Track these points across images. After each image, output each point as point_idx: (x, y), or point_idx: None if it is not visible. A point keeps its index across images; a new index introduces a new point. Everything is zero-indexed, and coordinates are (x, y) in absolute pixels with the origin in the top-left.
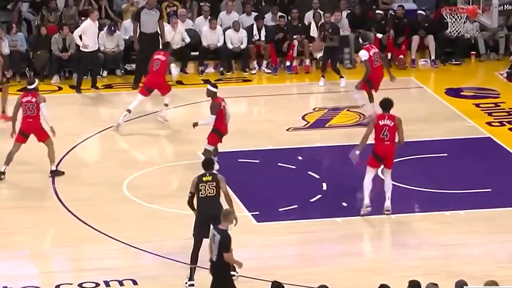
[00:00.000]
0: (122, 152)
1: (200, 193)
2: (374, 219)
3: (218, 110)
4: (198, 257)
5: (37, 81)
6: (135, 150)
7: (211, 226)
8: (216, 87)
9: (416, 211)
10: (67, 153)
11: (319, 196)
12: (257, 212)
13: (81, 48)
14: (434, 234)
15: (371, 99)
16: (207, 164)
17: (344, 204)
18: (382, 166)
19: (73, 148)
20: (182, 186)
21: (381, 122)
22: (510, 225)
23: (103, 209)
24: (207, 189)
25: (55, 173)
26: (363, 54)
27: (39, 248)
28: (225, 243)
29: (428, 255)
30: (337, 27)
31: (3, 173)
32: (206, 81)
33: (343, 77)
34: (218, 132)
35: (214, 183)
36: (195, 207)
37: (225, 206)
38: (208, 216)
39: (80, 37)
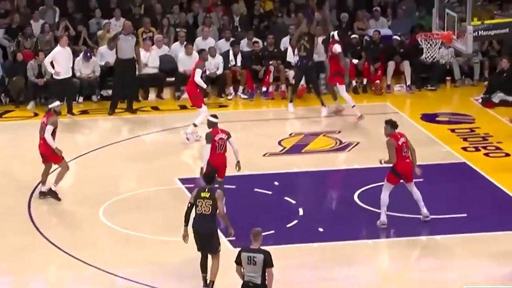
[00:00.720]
0: (99, 178)
1: (197, 208)
2: (351, 245)
3: (212, 140)
4: (207, 266)
5: (57, 103)
6: (112, 176)
7: (242, 251)
8: (216, 117)
9: (392, 236)
10: None
11: (295, 221)
12: (234, 238)
13: (53, 76)
14: (410, 259)
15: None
16: (207, 178)
17: (321, 229)
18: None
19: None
20: (158, 212)
21: (400, 142)
22: (485, 250)
23: (79, 235)
24: (203, 206)
25: (51, 194)
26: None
27: (13, 274)
28: (270, 260)
29: (406, 279)
30: (313, 37)
31: (43, 192)
32: (183, 107)
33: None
34: (209, 164)
35: (211, 201)
36: (188, 221)
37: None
38: (200, 233)
39: (53, 64)
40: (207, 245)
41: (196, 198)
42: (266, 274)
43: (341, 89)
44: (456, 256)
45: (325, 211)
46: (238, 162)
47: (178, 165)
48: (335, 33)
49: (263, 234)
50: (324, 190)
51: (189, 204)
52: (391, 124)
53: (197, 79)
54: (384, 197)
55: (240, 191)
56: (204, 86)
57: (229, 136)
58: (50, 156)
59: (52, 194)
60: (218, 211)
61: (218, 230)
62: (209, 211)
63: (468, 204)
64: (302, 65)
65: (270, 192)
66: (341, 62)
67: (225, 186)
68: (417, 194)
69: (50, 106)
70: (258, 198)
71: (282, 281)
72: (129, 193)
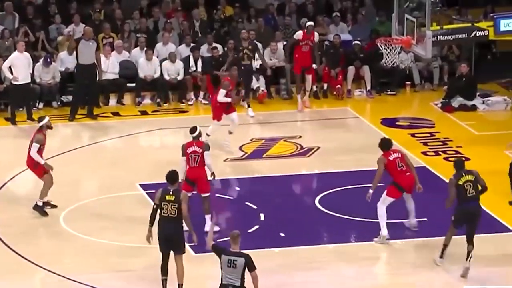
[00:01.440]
0: (59, 184)
1: (162, 211)
2: (313, 249)
3: (185, 153)
4: (168, 270)
5: (46, 119)
6: (72, 182)
7: (223, 254)
8: (191, 132)
9: (353, 240)
10: (2, 186)
11: (256, 226)
12: (195, 243)
13: (12, 81)
14: (372, 264)
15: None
16: (169, 178)
17: (282, 234)
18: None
19: (8, 181)
20: (120, 217)
21: (391, 158)
22: (446, 254)
23: (40, 242)
24: (169, 210)
25: (37, 209)
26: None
27: None
28: (252, 263)
29: (367, 284)
30: (256, 46)
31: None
32: (143, 112)
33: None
34: (186, 177)
35: (177, 204)
36: (153, 222)
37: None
38: (166, 236)
39: (11, 69)
40: (172, 246)
41: (161, 200)
42: (251, 277)
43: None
44: (417, 260)
45: (286, 216)
46: (212, 173)
47: (138, 171)
48: (311, 23)
49: (224, 239)
50: (285, 195)
51: (155, 206)
52: (382, 145)
53: (220, 98)
54: (382, 211)
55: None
56: (229, 100)
57: (204, 149)
58: (33, 170)
59: (38, 209)
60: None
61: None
62: (175, 214)
63: (428, 208)
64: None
65: (231, 197)
66: (316, 51)
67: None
68: (411, 205)
69: (40, 124)
70: (219, 203)
71: None
72: (90, 199)
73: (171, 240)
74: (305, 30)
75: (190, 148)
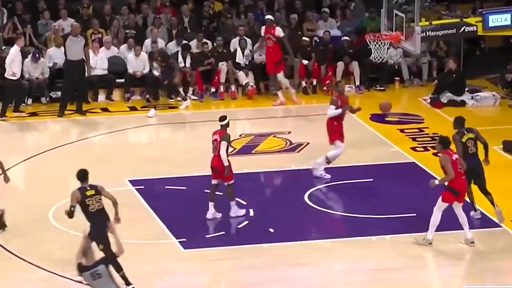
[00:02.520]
0: (48, 180)
1: (90, 208)
2: (302, 245)
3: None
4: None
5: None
6: (61, 178)
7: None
8: (220, 120)
9: (342, 236)
10: None
11: (246, 222)
12: (184, 239)
13: (8, 76)
14: (360, 259)
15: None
16: (79, 176)
17: (271, 230)
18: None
19: None
20: (109, 213)
21: (454, 157)
22: (434, 249)
23: (29, 238)
24: (95, 203)
25: None
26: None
27: None
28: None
29: (355, 280)
30: (166, 54)
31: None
32: (132, 108)
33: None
34: None
35: (99, 196)
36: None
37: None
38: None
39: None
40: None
41: (83, 200)
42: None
43: (281, 75)
44: (406, 255)
45: (276, 211)
46: (225, 166)
47: (128, 166)
48: (270, 16)
49: (213, 235)
50: (274, 191)
51: (72, 208)
52: (443, 143)
53: (330, 113)
54: (436, 217)
55: (191, 192)
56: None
57: (221, 138)
58: None
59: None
60: (111, 200)
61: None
62: (101, 205)
63: (417, 203)
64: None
65: (221, 193)
66: (287, 46)
67: (175, 187)
68: (463, 216)
69: None
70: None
71: (232, 282)
72: None
73: (106, 233)
74: (266, 25)
75: (213, 136)
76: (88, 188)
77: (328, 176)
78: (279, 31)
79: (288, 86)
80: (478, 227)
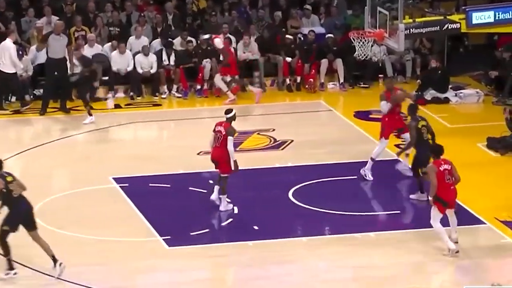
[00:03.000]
0: (32, 177)
1: (13, 193)
2: (286, 242)
3: (214, 129)
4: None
5: None
6: (45, 176)
7: None
8: (226, 113)
9: (326, 233)
10: None
11: (230, 220)
12: (169, 237)
13: (5, 70)
14: (344, 257)
15: None
16: None
17: (256, 227)
18: None
19: None
20: (93, 211)
21: (441, 168)
22: (418, 247)
23: (13, 236)
24: (16, 188)
25: None
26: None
27: None
28: None
29: (339, 277)
30: (88, 59)
31: None
32: (116, 106)
33: (91, 116)
34: None
35: (16, 180)
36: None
37: None
38: (27, 213)
39: None
40: (29, 223)
41: (6, 184)
42: None
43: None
44: (390, 253)
45: (260, 209)
46: (234, 161)
47: (112, 164)
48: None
49: (198, 232)
50: (259, 188)
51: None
52: (434, 152)
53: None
54: (437, 227)
55: (175, 190)
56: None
57: (227, 132)
58: None
59: None
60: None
61: None
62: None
63: (401, 201)
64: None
65: (205, 191)
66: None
67: (159, 185)
68: (454, 221)
69: None
70: (193, 197)
71: (216, 279)
72: (63, 193)
73: (30, 215)
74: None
75: (217, 127)
76: (6, 175)
77: (371, 178)
78: (218, 43)
79: (223, 87)
80: (462, 223)
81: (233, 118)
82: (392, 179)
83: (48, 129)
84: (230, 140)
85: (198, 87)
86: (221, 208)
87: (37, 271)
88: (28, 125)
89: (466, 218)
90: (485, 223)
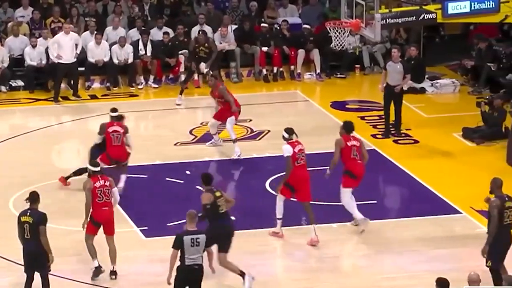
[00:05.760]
0: (8, 169)
1: (219, 209)
2: (261, 232)
3: (105, 132)
4: None
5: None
6: (22, 167)
7: (183, 235)
8: (113, 111)
9: (303, 223)
10: None
11: None
12: (146, 227)
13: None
14: (320, 247)
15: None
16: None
17: (232, 218)
18: None
19: None
20: (70, 202)
21: (349, 143)
22: (395, 236)
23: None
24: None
25: None
26: (286, 150)
27: None
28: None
29: (315, 267)
30: (212, 47)
31: None
32: (93, 97)
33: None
34: (107, 155)
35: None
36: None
37: None
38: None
39: None
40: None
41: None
42: (208, 253)
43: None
44: (366, 243)
45: (237, 199)
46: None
47: (87, 154)
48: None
49: (175, 223)
50: (236, 179)
51: None
52: (345, 127)
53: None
54: (345, 200)
55: (152, 181)
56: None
57: (125, 131)
58: None
59: None
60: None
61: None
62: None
63: (378, 191)
64: None
65: (182, 181)
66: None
67: (136, 175)
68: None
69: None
70: (170, 187)
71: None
72: (40, 183)
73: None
74: None
75: (111, 128)
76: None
77: None
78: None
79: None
80: (438, 213)
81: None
82: (368, 168)
83: (25, 120)
84: (129, 136)
85: (171, 76)
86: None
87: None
88: (5, 116)
89: (442, 208)
90: (461, 213)
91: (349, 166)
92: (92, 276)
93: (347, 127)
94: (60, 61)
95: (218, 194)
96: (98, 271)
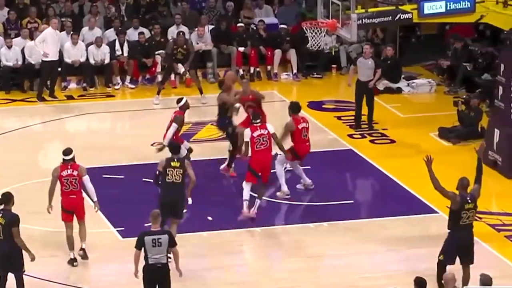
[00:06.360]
0: None
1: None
2: (240, 232)
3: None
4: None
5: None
6: None
7: (144, 236)
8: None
9: (281, 223)
10: None
11: (184, 210)
12: (123, 228)
13: None
14: (298, 246)
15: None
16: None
17: (210, 218)
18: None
19: None
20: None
21: (300, 126)
22: (371, 236)
23: None
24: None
25: None
26: (246, 134)
27: None
28: (173, 238)
29: (294, 267)
30: (190, 50)
31: None
32: (69, 97)
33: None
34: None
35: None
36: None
37: None
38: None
39: None
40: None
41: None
42: (173, 253)
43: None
44: (343, 242)
45: (214, 199)
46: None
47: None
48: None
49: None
50: (213, 179)
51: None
52: (292, 107)
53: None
54: (280, 169)
55: (129, 181)
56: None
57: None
58: None
59: None
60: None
61: None
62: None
63: (354, 190)
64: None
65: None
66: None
67: (113, 176)
68: (300, 169)
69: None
70: (147, 188)
71: (171, 270)
72: (17, 184)
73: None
74: None
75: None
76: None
77: None
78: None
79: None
80: (414, 213)
81: (186, 106)
82: (345, 168)
83: (1, 121)
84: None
85: (148, 76)
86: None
87: None
88: None
89: (418, 207)
90: (437, 212)
91: (297, 147)
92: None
93: (294, 108)
94: (45, 59)
95: (174, 164)
96: (71, 262)
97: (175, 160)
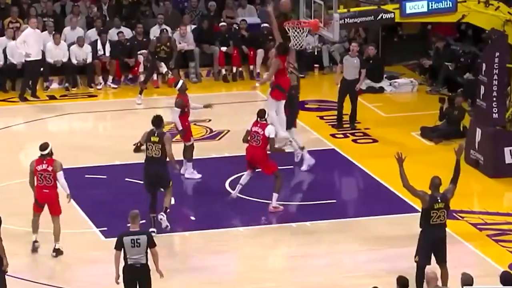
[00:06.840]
0: None
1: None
2: (223, 232)
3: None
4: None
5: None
6: None
7: (123, 236)
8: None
9: (263, 223)
10: None
11: (167, 210)
12: (105, 228)
13: None
14: (281, 246)
15: None
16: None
17: (193, 218)
18: None
19: None
20: (29, 203)
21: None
22: (354, 235)
23: None
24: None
25: None
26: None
27: None
28: (152, 239)
29: (276, 267)
30: (173, 48)
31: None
32: (51, 97)
33: None
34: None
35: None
36: None
37: None
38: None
39: None
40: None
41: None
42: (152, 254)
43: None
44: (326, 242)
45: (197, 199)
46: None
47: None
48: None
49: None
50: (195, 179)
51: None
52: (280, 48)
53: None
54: (273, 116)
55: (111, 181)
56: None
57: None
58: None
59: None
60: None
61: None
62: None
63: (337, 190)
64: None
65: (141, 182)
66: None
67: (95, 176)
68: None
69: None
70: (129, 188)
71: (153, 270)
72: None
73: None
74: None
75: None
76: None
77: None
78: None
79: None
80: (397, 212)
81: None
82: (327, 168)
83: None
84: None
85: (130, 76)
86: (186, 175)
87: None
88: None
89: (401, 207)
90: (420, 211)
91: (281, 80)
92: (31, 250)
93: (284, 49)
94: (28, 59)
95: (154, 139)
96: (33, 245)
97: (155, 134)
